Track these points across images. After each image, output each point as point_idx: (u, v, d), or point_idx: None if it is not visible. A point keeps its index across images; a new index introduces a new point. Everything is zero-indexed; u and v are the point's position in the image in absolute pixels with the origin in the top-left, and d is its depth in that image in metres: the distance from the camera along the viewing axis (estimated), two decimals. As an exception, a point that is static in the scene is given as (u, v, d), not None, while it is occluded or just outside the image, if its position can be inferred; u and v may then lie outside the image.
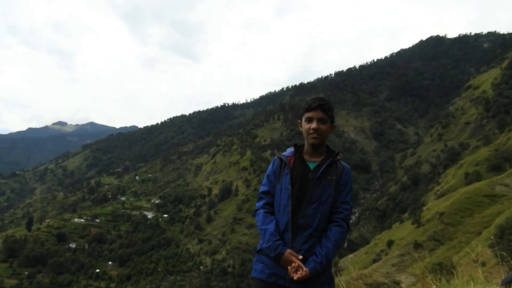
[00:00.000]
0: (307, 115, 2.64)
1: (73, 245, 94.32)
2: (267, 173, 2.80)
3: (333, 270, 2.81)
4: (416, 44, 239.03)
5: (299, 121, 2.76)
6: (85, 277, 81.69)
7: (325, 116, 2.61)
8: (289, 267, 2.42)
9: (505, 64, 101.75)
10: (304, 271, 2.39)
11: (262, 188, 2.78)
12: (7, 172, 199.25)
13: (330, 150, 2.72)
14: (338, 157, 2.67)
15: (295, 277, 2.38)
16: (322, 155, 2.68)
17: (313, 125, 2.59)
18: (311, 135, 2.60)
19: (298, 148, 2.74)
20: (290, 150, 2.77)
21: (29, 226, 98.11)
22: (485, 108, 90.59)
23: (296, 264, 2.41)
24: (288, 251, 2.47)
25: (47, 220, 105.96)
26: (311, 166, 2.64)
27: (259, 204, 2.76)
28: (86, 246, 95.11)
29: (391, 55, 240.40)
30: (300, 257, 2.45)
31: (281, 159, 2.73)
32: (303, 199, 2.55)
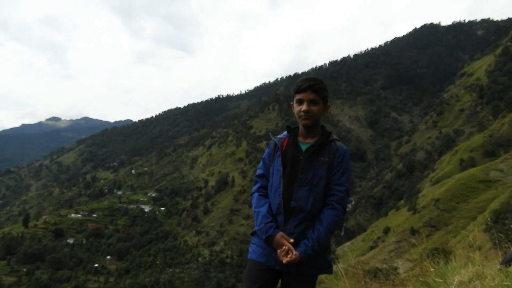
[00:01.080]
0: (297, 96, 2.56)
1: (70, 241, 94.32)
2: (263, 156, 2.76)
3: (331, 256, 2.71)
4: (410, 32, 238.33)
5: (291, 103, 2.68)
6: (83, 272, 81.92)
7: (316, 97, 2.51)
8: (278, 251, 2.36)
9: (499, 51, 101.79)
10: (294, 254, 2.31)
11: (258, 171, 2.74)
12: (1, 169, 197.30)
13: (325, 131, 2.64)
14: (331, 137, 2.59)
15: (284, 260, 2.31)
16: (316, 137, 2.59)
17: (304, 107, 2.51)
18: (302, 117, 2.53)
19: (292, 130, 2.67)
20: (285, 132, 2.72)
21: (25, 223, 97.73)
22: (479, 95, 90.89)
23: (286, 247, 2.35)
24: (280, 233, 2.41)
25: (44, 217, 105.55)
26: (304, 147, 2.57)
27: (254, 187, 2.71)
28: (84, 241, 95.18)
29: (386, 43, 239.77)
30: (292, 240, 2.39)
31: (275, 142, 2.68)
32: (295, 181, 2.49)
